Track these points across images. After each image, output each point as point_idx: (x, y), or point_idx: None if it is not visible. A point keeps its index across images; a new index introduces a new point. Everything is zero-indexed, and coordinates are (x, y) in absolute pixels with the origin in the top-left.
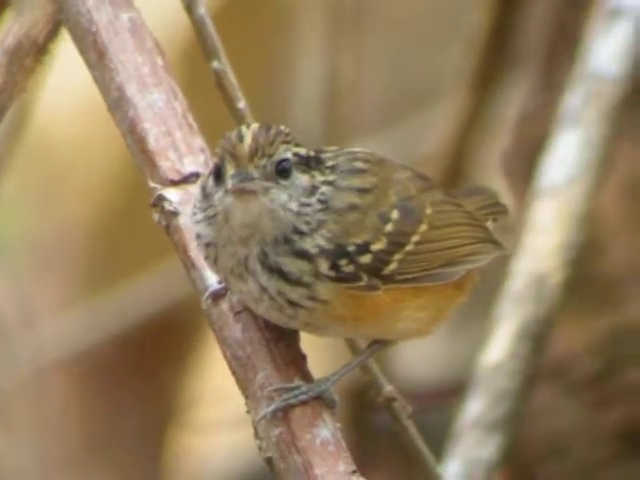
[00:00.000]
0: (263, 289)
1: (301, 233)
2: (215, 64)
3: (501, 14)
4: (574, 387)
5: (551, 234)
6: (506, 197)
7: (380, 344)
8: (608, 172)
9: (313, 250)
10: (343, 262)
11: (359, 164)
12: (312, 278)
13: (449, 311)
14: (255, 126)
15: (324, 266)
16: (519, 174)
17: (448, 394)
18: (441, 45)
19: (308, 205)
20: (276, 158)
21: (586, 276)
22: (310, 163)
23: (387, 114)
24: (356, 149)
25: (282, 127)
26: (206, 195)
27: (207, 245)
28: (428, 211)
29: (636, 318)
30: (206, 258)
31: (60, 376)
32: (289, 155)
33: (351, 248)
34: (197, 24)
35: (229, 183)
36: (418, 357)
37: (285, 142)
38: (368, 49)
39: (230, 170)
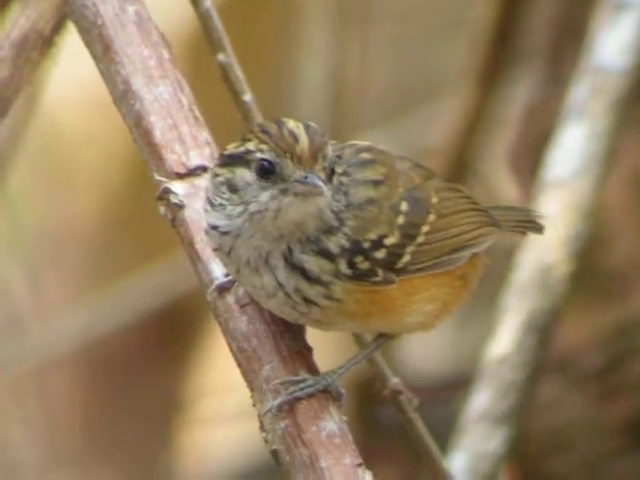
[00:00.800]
0: (279, 285)
1: (329, 232)
2: (221, 57)
3: (507, 8)
4: (580, 380)
5: (557, 227)
6: (512, 190)
7: (386, 337)
8: (613, 165)
9: (335, 250)
10: (359, 259)
11: (366, 155)
12: (331, 277)
13: (454, 305)
14: (301, 124)
15: (344, 266)
16: (525, 167)
17: (454, 387)
18: (447, 39)
19: (338, 202)
20: (329, 160)
21: (591, 269)
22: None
23: (392, 108)
24: (354, 142)
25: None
26: (237, 189)
27: (224, 234)
28: (434, 200)
29: None
30: (216, 249)
31: (66, 368)
32: (334, 158)
33: (366, 245)
34: (203, 17)
35: (296, 185)
36: (424, 350)
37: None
38: (373, 43)
39: (296, 171)
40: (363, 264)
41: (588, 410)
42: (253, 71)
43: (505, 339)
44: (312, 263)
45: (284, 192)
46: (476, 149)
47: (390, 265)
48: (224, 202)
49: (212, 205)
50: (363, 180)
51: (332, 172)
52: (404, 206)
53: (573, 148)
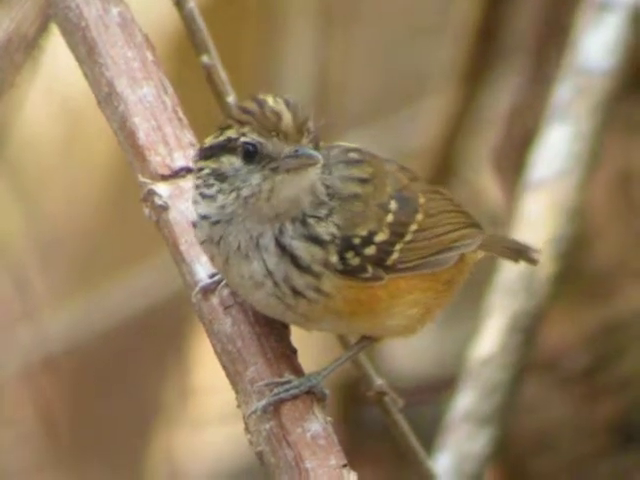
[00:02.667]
0: (269, 273)
1: (320, 216)
2: (205, 58)
3: (490, 8)
4: (564, 381)
5: (541, 227)
6: (495, 191)
7: (369, 339)
8: (597, 166)
9: (326, 237)
10: (349, 255)
11: (354, 155)
12: (322, 268)
13: (438, 310)
14: (280, 99)
15: (334, 257)
16: (509, 168)
17: (439, 388)
18: (430, 39)
19: (327, 175)
20: (313, 133)
21: (576, 269)
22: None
23: (376, 108)
24: (343, 143)
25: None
26: (225, 177)
27: (215, 223)
28: (422, 200)
29: (626, 311)
30: (204, 241)
31: (53, 370)
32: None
33: (357, 240)
34: (186, 19)
35: (288, 161)
36: (409, 351)
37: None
38: (357, 43)
39: (284, 147)
40: (354, 260)
41: (573, 410)
42: (237, 72)
43: (490, 340)
44: (303, 250)
45: (275, 170)
46: (460, 150)
47: (379, 262)
48: (213, 193)
49: (203, 196)
50: (349, 177)
51: (317, 146)
52: (393, 205)
53: (557, 149)
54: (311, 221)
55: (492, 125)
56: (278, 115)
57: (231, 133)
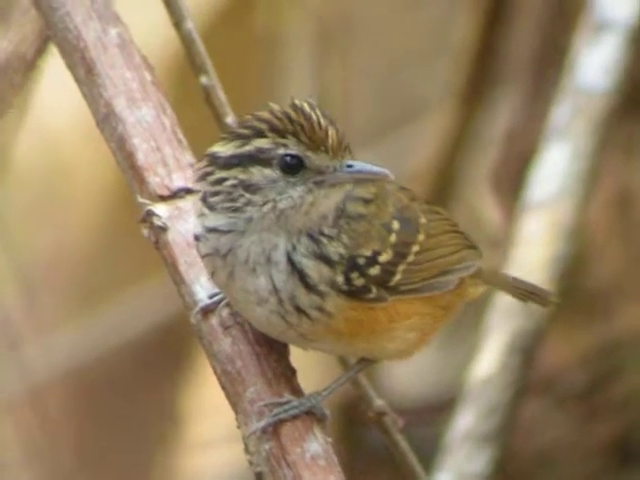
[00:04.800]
0: (275, 289)
1: (330, 235)
2: (204, 79)
3: (488, 30)
4: (563, 401)
5: (540, 247)
6: (494, 211)
7: (369, 360)
8: (596, 185)
9: (335, 257)
10: (354, 275)
11: None
12: (328, 288)
13: (434, 335)
14: (318, 113)
15: (340, 277)
16: (507, 188)
17: (438, 408)
18: (428, 61)
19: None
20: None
21: (575, 289)
22: None
23: (375, 130)
24: None
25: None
26: (258, 189)
27: (225, 233)
28: (423, 220)
29: (624, 332)
30: (209, 254)
31: (52, 394)
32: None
33: (361, 260)
34: (186, 40)
35: (339, 175)
36: (408, 371)
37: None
38: (355, 66)
39: (328, 161)
40: (358, 280)
41: (572, 430)
42: (236, 94)
43: (489, 360)
44: (312, 268)
45: (319, 184)
46: (458, 170)
47: (383, 283)
48: (240, 205)
49: (212, 208)
50: (355, 196)
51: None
52: (395, 225)
53: (556, 169)
54: (324, 240)
55: (491, 145)
56: (325, 129)
57: (263, 143)
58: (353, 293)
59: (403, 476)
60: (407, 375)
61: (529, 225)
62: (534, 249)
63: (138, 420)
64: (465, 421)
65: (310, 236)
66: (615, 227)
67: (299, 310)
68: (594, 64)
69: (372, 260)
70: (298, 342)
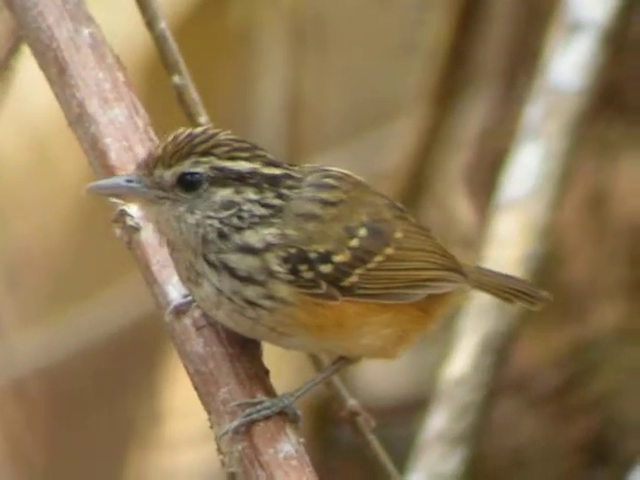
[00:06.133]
0: (219, 291)
1: (223, 237)
2: (176, 79)
3: (460, 30)
4: (536, 400)
5: (513, 247)
6: (467, 211)
7: (345, 360)
8: (569, 185)
9: (258, 244)
10: (303, 267)
11: (330, 180)
12: (265, 276)
13: (415, 334)
14: (182, 133)
15: (274, 262)
16: (480, 188)
17: (411, 408)
18: (401, 61)
19: (219, 219)
20: (178, 170)
21: (548, 289)
22: (245, 178)
23: (348, 130)
24: (334, 168)
25: (225, 136)
26: None
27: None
28: (398, 235)
29: (597, 331)
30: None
31: (25, 392)
32: (198, 169)
33: (313, 255)
34: (158, 39)
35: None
36: (381, 371)
37: (205, 154)
38: (329, 65)
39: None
40: (307, 273)
41: (545, 430)
42: (209, 93)
43: (462, 360)
44: (237, 261)
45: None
46: (431, 170)
47: (335, 282)
48: None
49: None
50: (312, 198)
51: (188, 184)
52: (362, 232)
53: (528, 168)
54: (234, 234)
55: (463, 145)
56: (159, 148)
57: None
58: (303, 286)
59: (376, 476)
60: (380, 375)
61: (502, 225)
62: (507, 248)
63: (112, 419)
64: (438, 421)
65: (203, 242)
66: (588, 227)
67: (250, 303)
68: (567, 64)
69: (325, 258)
70: (273, 339)
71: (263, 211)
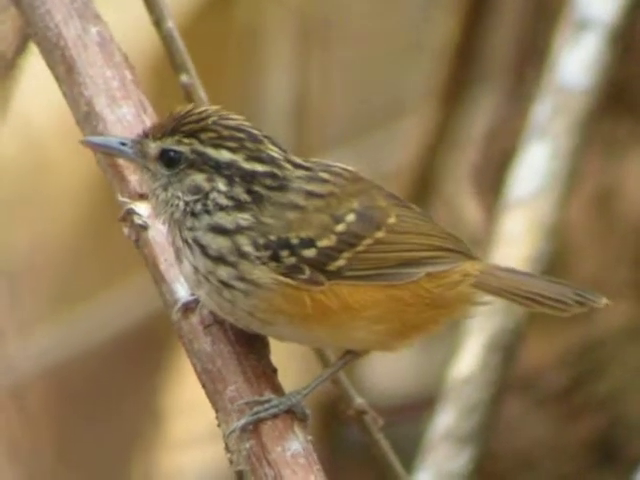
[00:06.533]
0: (195, 269)
1: (193, 216)
2: (184, 78)
3: (468, 28)
4: (543, 400)
5: (520, 246)
6: (475, 210)
7: (352, 355)
8: (576, 184)
9: (229, 225)
10: (284, 253)
11: (324, 175)
12: (235, 257)
13: (413, 330)
14: (181, 110)
15: (245, 243)
16: (488, 187)
17: (419, 407)
18: (408, 59)
19: (185, 201)
20: (161, 145)
21: None
22: (221, 168)
23: (355, 128)
24: (336, 164)
25: (223, 121)
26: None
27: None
28: (391, 220)
29: (603, 330)
30: None
31: (30, 394)
32: (181, 149)
33: (294, 241)
34: (165, 38)
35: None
36: (389, 370)
37: (189, 135)
38: (336, 63)
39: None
40: (289, 259)
41: (552, 429)
42: (216, 92)
43: (469, 359)
44: (208, 239)
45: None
46: (439, 169)
47: (320, 266)
48: None
49: None
50: (297, 189)
51: (168, 161)
52: (350, 217)
53: (536, 167)
54: (204, 214)
55: (471, 144)
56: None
57: None
58: (285, 272)
59: (383, 475)
60: (387, 374)
61: (509, 223)
62: (514, 247)
63: (119, 418)
64: (445, 420)
65: (174, 218)
66: (595, 225)
67: (224, 284)
68: (575, 62)
69: (308, 243)
70: (258, 326)
71: (228, 203)
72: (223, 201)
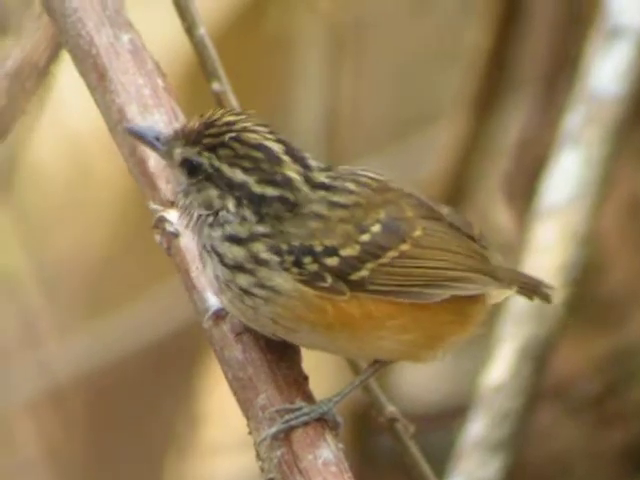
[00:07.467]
0: (216, 276)
1: (210, 225)
2: (215, 85)
3: (501, 36)
4: (576, 408)
5: (552, 254)
6: (507, 218)
7: (380, 363)
8: (609, 192)
9: (243, 235)
10: (307, 260)
11: (351, 185)
12: (253, 264)
13: (448, 340)
14: (210, 115)
15: (262, 249)
16: (520, 195)
17: (450, 415)
18: (441, 67)
19: (198, 213)
20: (184, 153)
21: (587, 296)
22: (233, 188)
23: (387, 136)
24: (365, 172)
25: (242, 136)
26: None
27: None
28: (417, 233)
29: (636, 338)
30: None
31: (67, 397)
32: (201, 160)
33: (318, 248)
34: (197, 46)
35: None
36: (420, 378)
37: (209, 149)
38: (368, 71)
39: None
40: (311, 265)
41: (585, 437)
42: (248, 100)
43: (501, 367)
44: (224, 248)
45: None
46: (471, 177)
47: (343, 275)
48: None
49: None
50: (319, 198)
51: (189, 169)
52: (376, 228)
53: (568, 175)
54: (218, 225)
55: (503, 152)
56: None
57: None
58: (306, 280)
59: None
60: (419, 381)
61: (541, 232)
62: (546, 256)
63: (151, 424)
64: (477, 428)
65: (198, 226)
66: (628, 234)
67: (245, 291)
68: (607, 70)
69: (331, 251)
70: (282, 334)
71: (238, 221)
72: (232, 219)
